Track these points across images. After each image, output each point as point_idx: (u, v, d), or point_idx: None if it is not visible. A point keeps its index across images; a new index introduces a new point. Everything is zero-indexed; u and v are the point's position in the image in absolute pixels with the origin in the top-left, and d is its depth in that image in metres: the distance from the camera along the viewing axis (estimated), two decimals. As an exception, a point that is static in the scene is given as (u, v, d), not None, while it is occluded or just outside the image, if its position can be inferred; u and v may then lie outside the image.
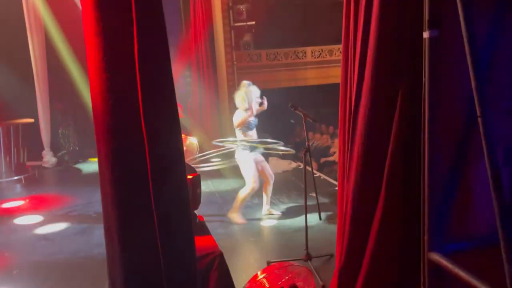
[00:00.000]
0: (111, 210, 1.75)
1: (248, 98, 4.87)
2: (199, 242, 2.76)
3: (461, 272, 1.78)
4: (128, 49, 1.65)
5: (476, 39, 1.68)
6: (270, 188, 5.19)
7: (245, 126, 4.89)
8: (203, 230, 3.13)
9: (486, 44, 1.79)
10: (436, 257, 1.96)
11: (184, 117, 7.28)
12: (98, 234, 4.55)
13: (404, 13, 2.18)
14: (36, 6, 7.83)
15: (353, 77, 2.55)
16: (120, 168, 1.74)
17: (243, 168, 4.95)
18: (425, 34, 1.91)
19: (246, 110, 4.89)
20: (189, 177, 3.02)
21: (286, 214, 5.28)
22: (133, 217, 1.80)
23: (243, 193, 4.99)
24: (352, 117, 2.54)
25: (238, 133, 4.98)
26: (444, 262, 1.90)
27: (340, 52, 2.76)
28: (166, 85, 1.75)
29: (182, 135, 7.06)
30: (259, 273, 2.90)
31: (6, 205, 6.20)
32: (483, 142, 1.64)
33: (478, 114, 1.64)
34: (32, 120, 7.93)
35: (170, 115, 1.80)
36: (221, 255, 2.71)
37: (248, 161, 4.90)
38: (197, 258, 2.33)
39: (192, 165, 3.57)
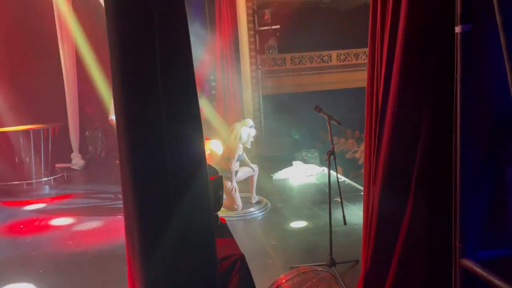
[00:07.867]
0: (131, 211, 1.74)
1: (243, 138, 5.41)
2: (220, 244, 2.72)
3: (496, 280, 1.68)
4: (150, 54, 1.65)
5: (512, 33, 1.58)
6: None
7: (236, 158, 5.43)
8: (225, 232, 3.09)
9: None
10: (468, 264, 1.86)
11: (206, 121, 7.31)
12: (122, 235, 4.59)
13: (434, 8, 2.09)
14: (67, 18, 8.18)
15: (380, 78, 2.47)
16: (139, 166, 1.74)
17: (233, 194, 5.45)
18: (457, 29, 1.82)
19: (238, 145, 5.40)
20: (211, 178, 3.00)
21: (311, 218, 5.19)
22: (152, 218, 1.79)
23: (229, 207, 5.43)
24: (378, 118, 2.46)
25: (229, 162, 5.45)
26: (477, 269, 1.80)
27: (366, 56, 2.69)
28: (188, 86, 1.74)
29: (205, 138, 7.11)
30: (282, 277, 2.83)
31: (34, 206, 6.36)
32: (521, 141, 1.54)
33: (515, 111, 1.54)
34: (61, 124, 8.15)
35: (192, 118, 1.78)
36: (242, 257, 2.66)
37: (236, 189, 5.50)
38: (217, 260, 2.29)
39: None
